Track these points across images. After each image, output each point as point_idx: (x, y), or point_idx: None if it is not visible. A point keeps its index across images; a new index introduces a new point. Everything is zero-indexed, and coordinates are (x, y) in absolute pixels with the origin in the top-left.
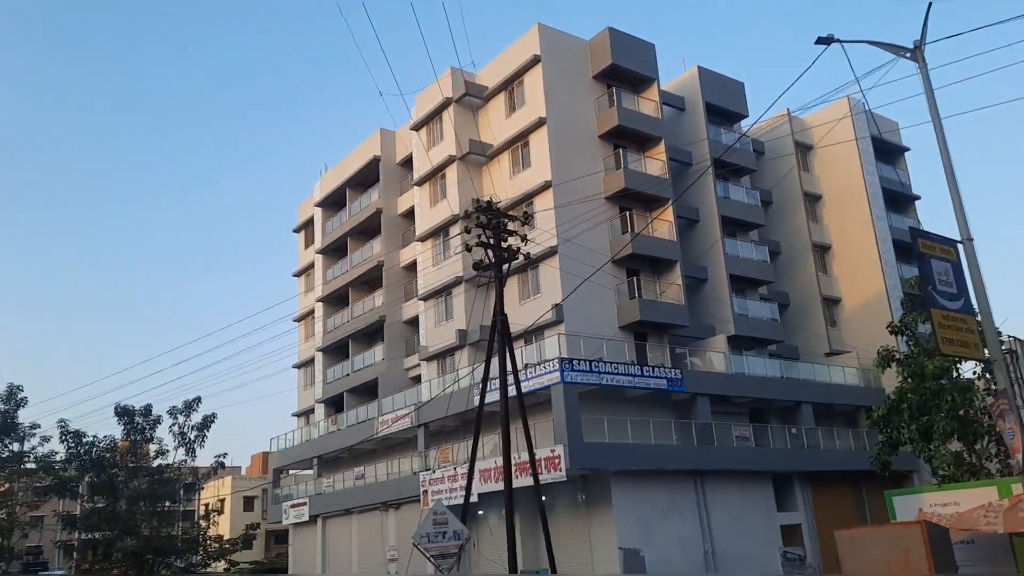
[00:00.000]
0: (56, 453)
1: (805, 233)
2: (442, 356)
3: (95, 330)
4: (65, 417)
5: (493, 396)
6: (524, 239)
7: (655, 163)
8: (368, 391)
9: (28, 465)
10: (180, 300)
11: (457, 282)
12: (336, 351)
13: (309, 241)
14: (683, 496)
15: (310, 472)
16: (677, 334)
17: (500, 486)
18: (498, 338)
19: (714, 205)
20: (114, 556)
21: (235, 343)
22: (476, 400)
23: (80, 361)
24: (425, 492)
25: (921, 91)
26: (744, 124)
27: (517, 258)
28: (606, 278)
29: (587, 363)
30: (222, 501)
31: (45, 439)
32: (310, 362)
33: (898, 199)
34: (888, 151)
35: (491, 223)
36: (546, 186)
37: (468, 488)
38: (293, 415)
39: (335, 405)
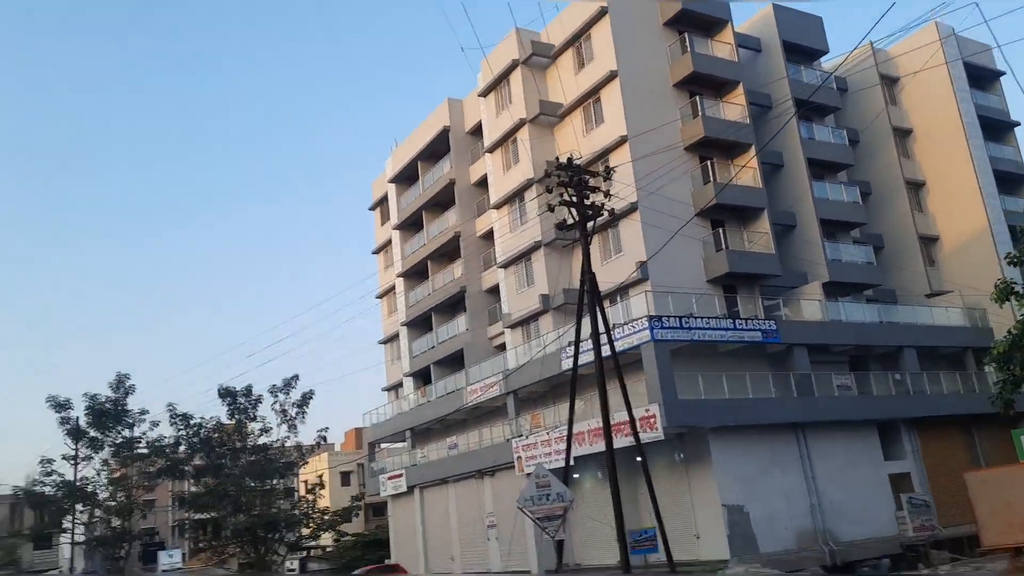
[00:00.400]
0: (165, 437)
1: (897, 170)
2: (525, 323)
3: (194, 316)
4: (172, 401)
5: (583, 358)
6: (607, 195)
7: (734, 108)
8: (454, 362)
9: (140, 450)
10: (271, 283)
11: (536, 247)
12: (420, 324)
13: (385, 218)
14: (785, 450)
15: (403, 444)
16: (768, 284)
17: (594, 449)
18: (587, 298)
19: (799, 147)
20: (226, 533)
21: (324, 322)
22: (564, 364)
23: (183, 346)
24: (519, 458)
25: (1015, 6)
26: (824, 60)
27: (602, 215)
28: (690, 231)
29: (677, 319)
30: (320, 477)
31: (154, 424)
32: (395, 337)
33: (996, 127)
34: (982, 77)
35: (573, 181)
36: (622, 141)
37: (568, 451)
38: (383, 390)
39: (423, 377)
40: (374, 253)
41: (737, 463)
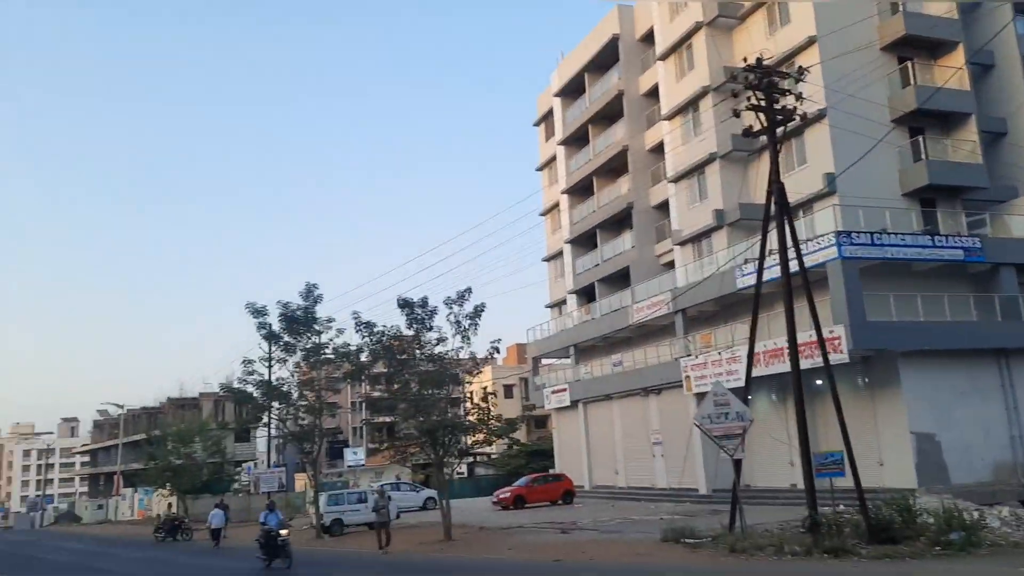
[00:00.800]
0: (349, 345)
1: None
2: (696, 239)
3: (374, 229)
4: (356, 310)
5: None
6: (799, 98)
7: (939, 3)
8: (619, 279)
9: (327, 355)
10: (439, 200)
11: (710, 159)
12: (584, 242)
13: (549, 133)
14: (984, 377)
15: (566, 360)
16: (972, 198)
17: (769, 370)
18: (775, 209)
19: (1014, 45)
20: (405, 434)
21: (488, 240)
22: (739, 283)
23: (364, 257)
24: (687, 378)
25: None
26: None
27: (793, 119)
28: (885, 139)
29: (867, 235)
30: (484, 389)
31: (340, 331)
32: (559, 254)
33: None
34: None
35: (762, 83)
36: (810, 42)
37: (749, 371)
38: (546, 306)
39: (587, 295)
40: (538, 170)
41: (929, 389)
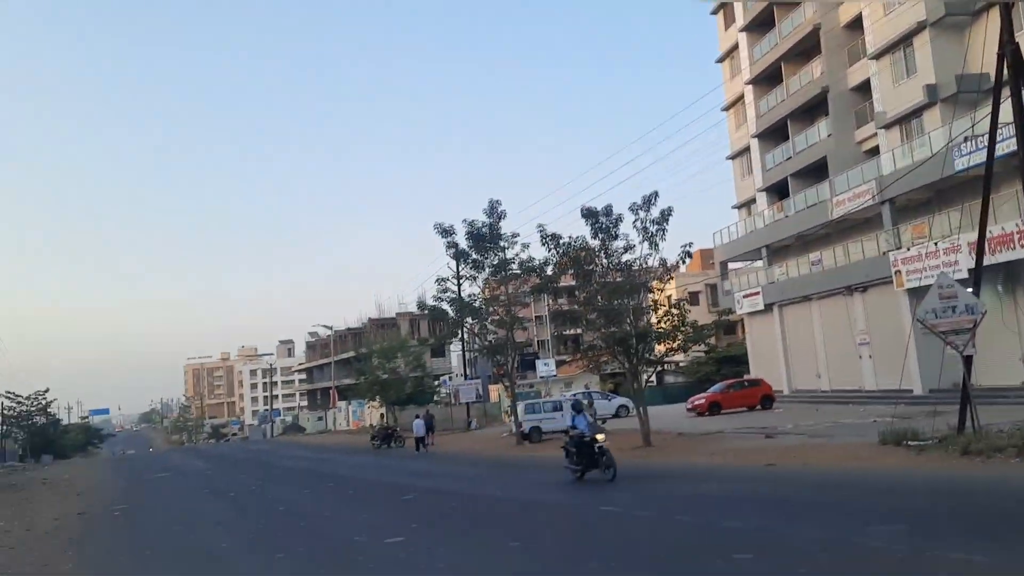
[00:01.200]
0: (533, 259)
1: None
2: (904, 120)
3: (550, 143)
4: (540, 222)
5: (977, 157)
6: None
7: None
8: (814, 172)
9: (513, 271)
10: (614, 106)
11: (919, 28)
12: (773, 135)
13: (729, 21)
14: None
15: (756, 263)
16: None
17: (996, 259)
18: (1007, 75)
19: None
20: (599, 344)
21: (667, 143)
22: (958, 164)
23: (545, 172)
24: (897, 273)
25: None
26: None
27: None
28: None
29: None
30: (668, 297)
31: (525, 246)
32: (745, 151)
33: None
34: None
35: None
36: None
37: (979, 258)
38: (733, 207)
39: (778, 192)
40: (718, 62)
41: None
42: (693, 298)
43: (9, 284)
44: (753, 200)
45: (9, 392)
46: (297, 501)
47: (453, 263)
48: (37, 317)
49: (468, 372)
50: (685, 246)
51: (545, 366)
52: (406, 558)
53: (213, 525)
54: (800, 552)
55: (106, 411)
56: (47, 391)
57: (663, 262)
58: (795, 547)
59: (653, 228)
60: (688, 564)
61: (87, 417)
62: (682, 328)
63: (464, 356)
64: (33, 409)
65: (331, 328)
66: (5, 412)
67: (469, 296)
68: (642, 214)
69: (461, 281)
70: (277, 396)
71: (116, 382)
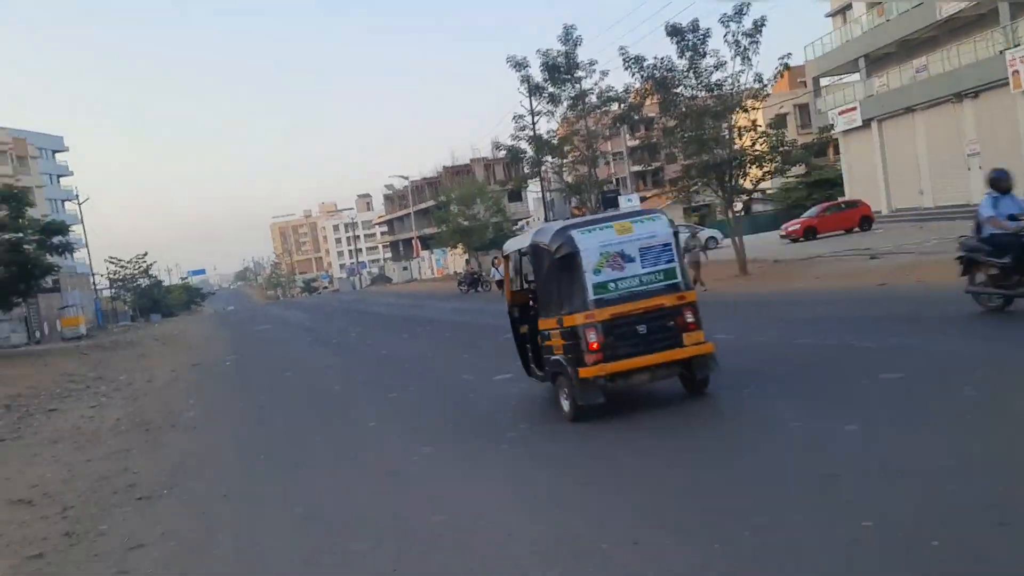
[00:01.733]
0: (612, 88)
1: None
2: None
3: None
4: (622, 44)
5: None
6: None
7: None
8: None
9: (593, 101)
10: None
11: None
12: None
13: None
14: None
15: (853, 77)
16: None
17: None
18: None
19: None
20: (688, 174)
21: None
22: None
23: None
24: (1015, 73)
25: None
26: None
27: None
28: None
29: None
30: (752, 121)
31: (604, 73)
32: None
33: None
34: None
35: None
36: None
37: None
38: (827, 15)
39: None
40: None
41: None
42: (781, 120)
43: (104, 151)
44: (849, 6)
45: (112, 257)
46: (397, 345)
47: (528, 101)
48: (131, 181)
49: (547, 215)
50: (783, 58)
51: (628, 201)
52: (518, 393)
53: (323, 370)
54: (952, 370)
55: (203, 271)
56: (146, 255)
57: (758, 77)
58: (944, 365)
59: (745, 41)
60: (836, 386)
61: (186, 278)
62: (781, 148)
63: (544, 198)
64: (136, 272)
65: (407, 178)
66: (111, 276)
67: (548, 132)
68: (733, 26)
69: (537, 118)
70: (361, 249)
71: (209, 246)
